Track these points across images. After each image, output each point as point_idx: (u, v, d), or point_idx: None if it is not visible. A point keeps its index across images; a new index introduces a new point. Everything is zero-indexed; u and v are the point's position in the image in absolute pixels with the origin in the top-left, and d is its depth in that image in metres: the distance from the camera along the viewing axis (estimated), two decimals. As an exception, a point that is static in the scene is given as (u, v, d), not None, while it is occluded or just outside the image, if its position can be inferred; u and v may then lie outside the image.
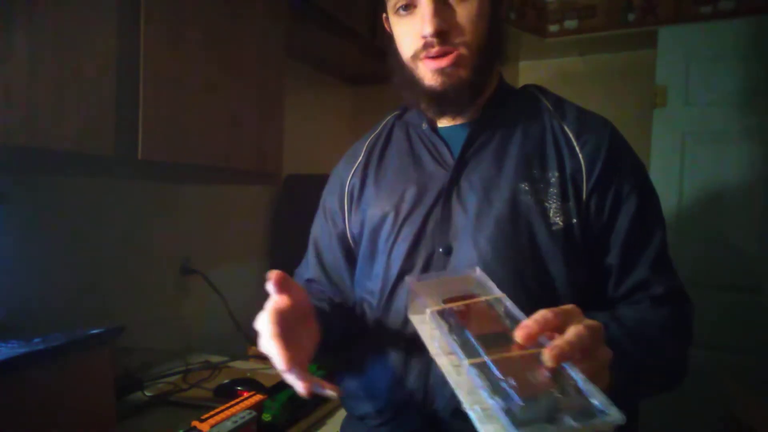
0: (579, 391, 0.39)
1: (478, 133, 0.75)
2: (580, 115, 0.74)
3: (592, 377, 0.42)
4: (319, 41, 1.58)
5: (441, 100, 0.72)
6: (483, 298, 0.51)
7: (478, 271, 0.56)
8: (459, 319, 0.49)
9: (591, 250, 0.69)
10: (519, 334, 0.44)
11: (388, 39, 0.78)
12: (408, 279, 0.62)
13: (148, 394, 1.03)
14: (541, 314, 0.45)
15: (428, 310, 0.51)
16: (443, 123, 0.79)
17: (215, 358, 1.28)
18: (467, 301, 0.51)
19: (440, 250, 0.71)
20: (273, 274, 0.57)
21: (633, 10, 2.00)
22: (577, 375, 0.40)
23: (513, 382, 0.39)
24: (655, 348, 0.63)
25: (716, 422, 1.48)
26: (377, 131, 0.88)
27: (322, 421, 0.99)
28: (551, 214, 0.68)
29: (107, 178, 1.15)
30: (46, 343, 0.75)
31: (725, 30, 1.84)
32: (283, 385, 1.00)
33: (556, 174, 0.69)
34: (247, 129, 1.15)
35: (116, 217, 1.20)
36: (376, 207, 0.78)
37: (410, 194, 0.75)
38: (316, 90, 1.97)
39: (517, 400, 0.38)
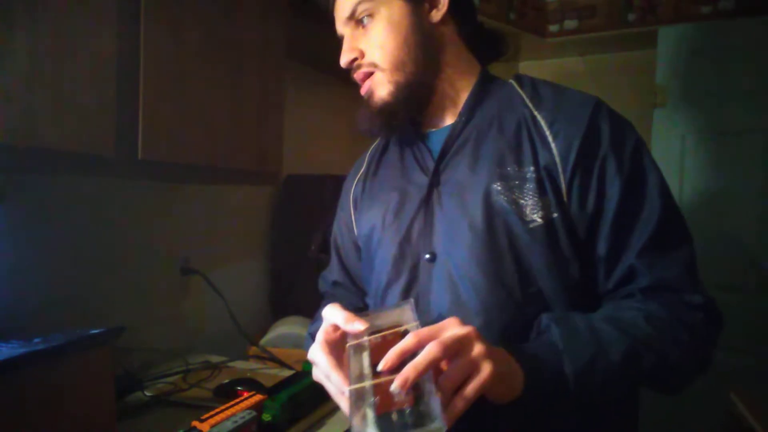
0: (426, 403, 0.46)
1: (455, 135, 0.73)
2: (557, 99, 0.70)
3: (461, 375, 0.49)
4: (319, 41, 1.58)
5: (376, 121, 0.74)
6: (402, 328, 0.56)
7: (411, 303, 0.60)
8: (372, 350, 0.54)
9: (579, 245, 0.65)
10: (380, 365, 0.49)
11: None
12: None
13: (148, 394, 1.03)
14: (403, 342, 0.50)
15: (347, 345, 0.57)
16: (429, 128, 0.79)
17: (215, 358, 1.28)
18: (386, 332, 0.56)
19: (426, 257, 0.70)
20: (349, 318, 0.58)
21: (633, 10, 2.00)
22: (428, 387, 0.47)
23: (376, 401, 0.47)
24: (608, 348, 0.58)
25: (716, 422, 1.48)
26: (378, 140, 0.90)
27: (322, 421, 0.99)
28: (528, 211, 0.64)
29: (107, 178, 1.15)
30: (46, 343, 0.75)
31: (725, 30, 1.84)
32: (283, 385, 1.00)
33: (532, 168, 0.66)
34: (247, 129, 1.15)
35: (116, 217, 1.20)
36: (367, 217, 0.80)
37: (393, 202, 0.76)
38: (316, 90, 1.97)
39: (373, 417, 0.46)
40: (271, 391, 0.96)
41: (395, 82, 0.72)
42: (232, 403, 0.85)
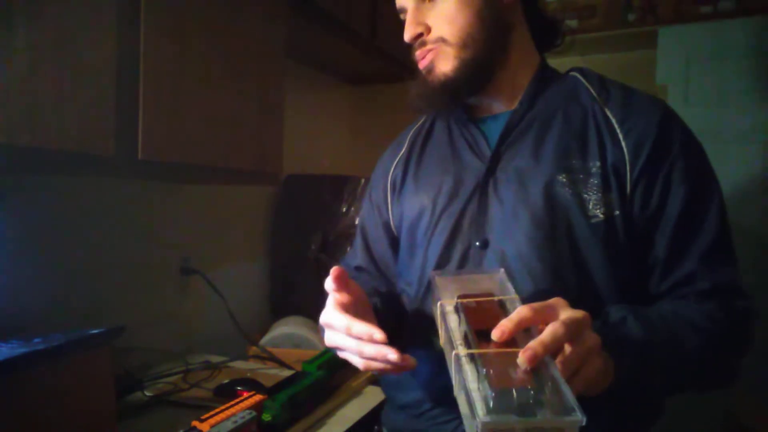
0: (553, 388, 0.41)
1: (515, 122, 0.72)
2: (627, 97, 0.69)
3: (579, 363, 0.47)
4: (319, 41, 1.58)
5: (435, 97, 0.72)
6: (497, 298, 0.53)
7: (502, 272, 0.57)
8: (466, 314, 0.50)
9: (636, 244, 0.65)
10: (495, 333, 0.46)
11: None
12: (432, 272, 0.62)
13: (148, 394, 1.03)
14: (518, 313, 0.47)
15: (439, 303, 0.53)
16: (483, 113, 0.78)
17: (215, 358, 1.28)
18: (480, 299, 0.53)
19: (477, 243, 0.69)
20: (335, 270, 0.58)
21: (633, 10, 2.00)
22: (555, 372, 0.42)
23: (491, 374, 0.42)
24: (682, 343, 0.59)
25: (716, 422, 1.48)
26: (420, 122, 0.88)
27: (322, 421, 0.99)
28: (591, 206, 0.64)
29: (107, 178, 1.15)
30: (46, 343, 0.75)
31: (725, 30, 1.84)
32: (283, 385, 1.00)
33: (598, 164, 0.65)
34: (247, 129, 1.15)
35: (116, 217, 1.19)
36: (415, 200, 0.78)
37: (447, 187, 0.74)
38: (316, 90, 1.97)
39: (489, 390, 0.40)
40: (271, 391, 0.96)
41: (461, 58, 0.70)
42: (232, 403, 0.85)
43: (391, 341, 0.74)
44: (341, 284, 0.58)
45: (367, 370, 0.58)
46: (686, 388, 0.65)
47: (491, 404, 0.40)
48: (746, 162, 1.82)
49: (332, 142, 2.09)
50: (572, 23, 2.12)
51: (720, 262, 0.65)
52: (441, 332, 0.51)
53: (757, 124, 1.81)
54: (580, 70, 0.76)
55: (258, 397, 0.89)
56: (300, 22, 1.38)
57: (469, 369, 0.44)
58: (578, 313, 0.49)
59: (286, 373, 1.17)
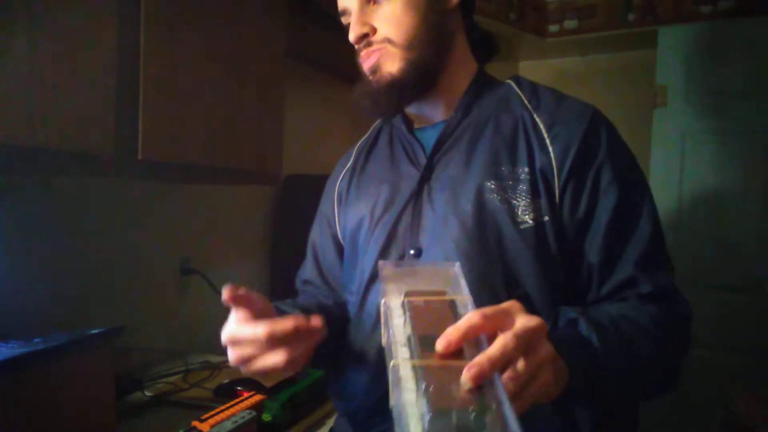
0: (497, 411, 0.37)
1: (450, 131, 0.73)
2: (557, 103, 0.70)
3: (529, 379, 0.43)
4: (319, 41, 1.58)
5: (381, 98, 0.71)
6: (448, 298, 0.48)
7: (457, 268, 0.52)
8: (412, 315, 0.45)
9: (567, 249, 0.65)
10: (440, 343, 0.40)
11: None
12: (381, 262, 0.58)
13: (148, 394, 1.03)
14: (467, 320, 0.42)
15: (383, 300, 0.49)
16: (423, 123, 0.79)
17: (215, 358, 1.28)
18: (429, 297, 0.48)
19: (411, 252, 0.70)
20: (227, 291, 0.55)
21: (633, 10, 2.01)
22: (501, 393, 0.38)
23: (430, 390, 0.38)
24: (633, 345, 0.58)
25: (716, 422, 1.48)
26: (367, 135, 0.89)
27: (322, 421, 0.99)
28: (520, 213, 0.64)
29: (107, 178, 1.15)
30: (46, 343, 0.75)
31: (725, 30, 1.85)
32: (283, 385, 1.00)
33: (526, 170, 0.66)
34: (247, 129, 1.15)
35: (116, 217, 1.20)
36: (355, 210, 0.79)
37: (384, 196, 0.75)
38: (316, 90, 1.97)
39: (427, 409, 0.36)
40: (271, 391, 0.96)
41: (407, 59, 0.69)
42: (232, 403, 0.85)
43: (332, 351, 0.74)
44: (239, 301, 0.56)
45: (294, 370, 0.56)
46: (637, 393, 0.64)
47: (427, 426, 0.35)
48: (746, 162, 1.83)
49: (332, 142, 2.09)
50: (572, 23, 2.12)
51: (657, 266, 0.65)
52: (383, 331, 0.46)
53: (757, 124, 1.81)
54: (516, 79, 0.76)
55: (258, 397, 0.89)
56: (300, 22, 1.38)
57: (407, 381, 0.39)
58: (533, 321, 0.44)
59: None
